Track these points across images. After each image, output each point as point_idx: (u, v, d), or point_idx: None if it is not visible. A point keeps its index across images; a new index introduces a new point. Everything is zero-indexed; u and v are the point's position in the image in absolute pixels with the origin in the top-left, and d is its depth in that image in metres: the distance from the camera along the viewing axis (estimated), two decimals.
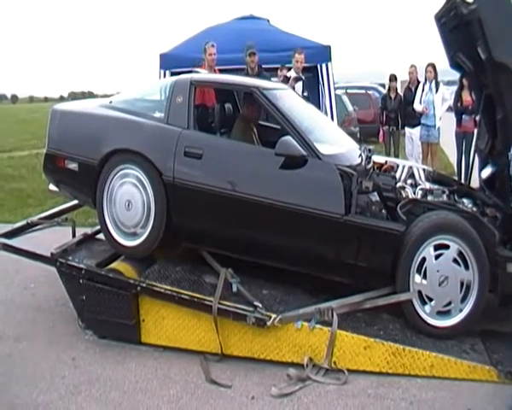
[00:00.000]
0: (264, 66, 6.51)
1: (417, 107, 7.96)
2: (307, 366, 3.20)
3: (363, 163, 3.63)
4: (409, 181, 3.84)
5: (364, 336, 3.23)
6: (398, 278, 3.27)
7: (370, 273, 3.36)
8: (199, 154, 3.46)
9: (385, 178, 3.62)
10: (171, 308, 3.44)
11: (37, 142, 17.40)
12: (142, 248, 3.60)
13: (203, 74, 4.34)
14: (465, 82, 7.62)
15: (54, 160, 3.89)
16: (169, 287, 3.41)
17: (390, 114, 8.75)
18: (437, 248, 3.20)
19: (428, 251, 3.20)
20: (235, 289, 3.42)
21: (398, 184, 3.64)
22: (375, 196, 3.37)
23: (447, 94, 8.04)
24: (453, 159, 8.96)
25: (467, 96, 7.72)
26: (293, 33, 7.92)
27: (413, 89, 8.32)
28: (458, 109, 7.92)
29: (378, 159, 4.11)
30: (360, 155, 3.73)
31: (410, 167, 3.98)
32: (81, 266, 3.61)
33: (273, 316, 3.24)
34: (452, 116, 8.33)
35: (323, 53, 7.43)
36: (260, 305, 3.28)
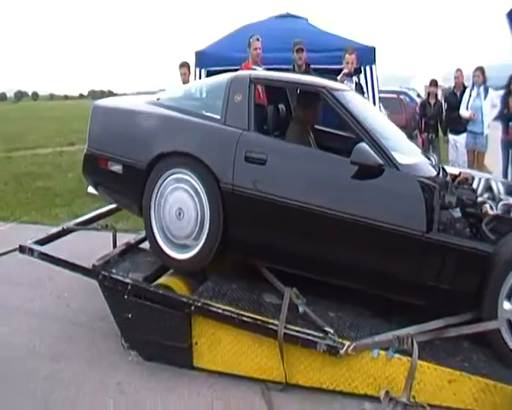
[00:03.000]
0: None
1: (464, 113, 7.52)
2: (383, 399, 2.81)
3: (441, 175, 3.22)
4: (485, 194, 3.43)
5: (449, 369, 2.84)
6: (484, 304, 2.88)
7: (452, 297, 2.97)
8: (262, 159, 3.08)
9: (465, 191, 3.21)
10: (228, 331, 3.07)
11: (60, 139, 17.32)
12: (194, 262, 3.24)
13: (261, 71, 3.93)
14: None
15: (95, 160, 3.54)
16: (227, 307, 3.05)
17: (429, 120, 8.33)
18: None
19: None
20: (301, 311, 3.04)
21: (479, 199, 3.23)
22: (457, 212, 3.00)
23: (496, 100, 7.52)
24: (494, 168, 8.41)
25: None
26: (334, 33, 7.52)
27: (458, 94, 7.88)
28: (505, 116, 7.42)
29: (450, 169, 3.69)
30: (433, 165, 3.33)
31: (488, 180, 3.56)
32: (127, 280, 3.26)
33: (346, 343, 2.87)
34: (495, 124, 7.87)
35: (368, 54, 7.02)
36: (332, 330, 2.91)
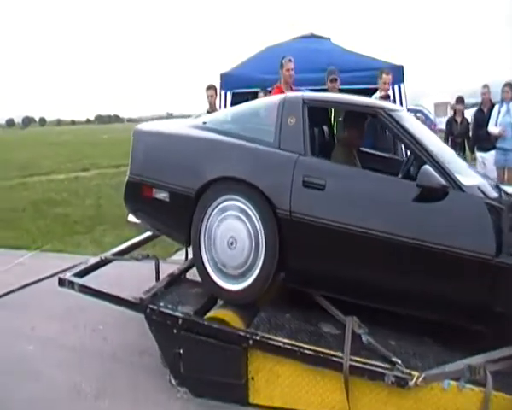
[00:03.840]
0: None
1: (493, 129, 7.36)
2: None
3: (503, 195, 3.08)
4: None
5: None
6: None
7: None
8: (321, 184, 2.95)
9: None
10: (287, 365, 2.92)
11: (73, 165, 17.30)
12: (248, 293, 3.09)
13: (312, 93, 3.82)
14: None
15: (139, 188, 3.38)
16: (287, 340, 2.89)
17: (456, 138, 8.10)
18: None
19: None
20: (365, 341, 2.88)
21: None
22: None
23: None
24: None
25: None
26: (360, 53, 7.47)
27: (485, 110, 7.75)
28: None
29: (506, 189, 3.56)
30: (493, 185, 3.20)
31: None
32: (177, 314, 3.11)
33: (415, 374, 2.71)
34: None
35: (397, 73, 6.93)
36: (399, 361, 2.75)
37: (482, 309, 2.84)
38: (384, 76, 5.77)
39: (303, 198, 2.96)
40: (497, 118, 7.35)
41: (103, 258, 3.89)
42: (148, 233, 4.49)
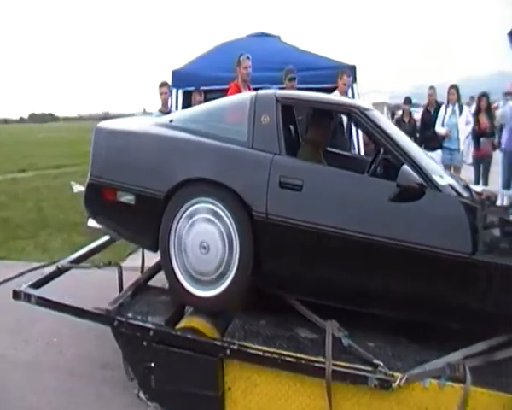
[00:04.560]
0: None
1: (440, 130, 7.68)
2: None
3: (474, 194, 3.11)
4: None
5: (501, 393, 2.71)
6: None
7: (496, 320, 2.86)
8: (298, 185, 2.85)
9: (498, 210, 3.12)
10: (266, 373, 2.81)
11: (10, 165, 16.43)
12: (221, 300, 2.94)
13: (284, 91, 3.70)
14: (483, 105, 7.59)
15: (100, 191, 3.15)
16: (266, 348, 2.78)
17: None
18: None
19: None
20: (346, 344, 2.81)
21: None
22: (497, 232, 2.93)
23: (470, 117, 7.77)
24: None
25: (484, 119, 7.59)
26: (310, 51, 7.48)
27: (432, 111, 8.02)
28: (476, 133, 7.70)
29: (473, 188, 3.62)
30: (464, 185, 3.23)
31: (509, 197, 3.51)
32: (148, 325, 2.93)
33: (398, 375, 2.67)
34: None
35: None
36: (381, 363, 2.70)
37: (459, 307, 2.85)
38: (345, 77, 5.82)
39: (280, 199, 2.84)
40: (444, 119, 7.62)
41: (60, 266, 3.61)
42: (105, 238, 4.24)
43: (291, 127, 3.71)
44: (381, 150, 3.57)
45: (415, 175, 2.75)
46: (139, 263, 4.16)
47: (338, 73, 5.87)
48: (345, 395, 2.75)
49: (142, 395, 3.07)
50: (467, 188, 3.18)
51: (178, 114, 3.62)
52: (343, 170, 3.01)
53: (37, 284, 3.37)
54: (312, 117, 3.64)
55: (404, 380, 2.66)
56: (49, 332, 4.20)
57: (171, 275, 2.98)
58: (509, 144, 7.15)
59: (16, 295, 3.23)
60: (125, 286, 3.40)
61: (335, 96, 3.77)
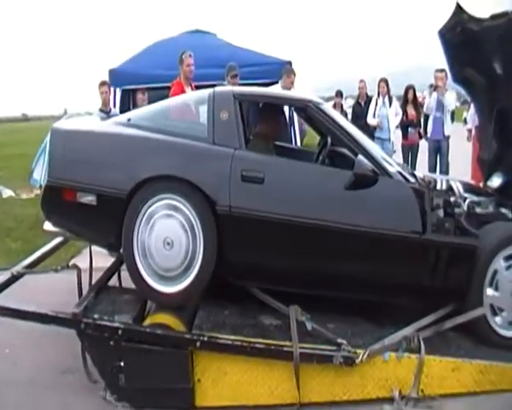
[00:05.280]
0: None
1: (371, 121, 8.09)
2: (398, 398, 2.91)
3: (419, 179, 3.36)
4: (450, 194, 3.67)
5: (451, 358, 3.01)
6: (470, 294, 3.11)
7: (443, 292, 3.14)
8: (260, 178, 2.96)
9: (442, 193, 3.40)
10: (235, 361, 2.90)
11: None
12: (186, 295, 2.99)
13: (241, 87, 3.78)
14: (410, 96, 8.03)
15: (59, 192, 3.08)
16: (234, 337, 2.87)
17: None
18: (507, 259, 3.14)
19: (500, 263, 3.11)
20: (309, 327, 2.96)
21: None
22: (441, 213, 3.18)
23: (399, 108, 8.21)
24: None
25: (411, 111, 8.03)
26: (246, 48, 7.62)
27: (362, 103, 8.40)
28: (404, 123, 8.14)
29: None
30: (409, 172, 3.49)
31: (448, 181, 3.81)
32: (116, 324, 2.92)
33: (360, 352, 2.86)
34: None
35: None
36: (345, 342, 2.88)
37: (411, 284, 3.10)
38: (292, 76, 6.03)
39: (242, 192, 2.95)
40: (375, 110, 8.01)
41: (15, 273, 3.50)
42: (57, 240, 4.15)
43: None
44: (329, 142, 3.76)
45: (369, 164, 2.95)
46: (84, 265, 4.08)
47: (285, 71, 6.10)
48: (310, 374, 2.91)
49: (109, 396, 3.05)
50: (412, 174, 3.43)
51: (136, 113, 3.62)
52: (303, 162, 3.16)
53: None
54: (262, 111, 3.76)
55: (366, 355, 2.86)
56: None
57: (135, 273, 2.99)
58: (434, 133, 7.63)
59: None
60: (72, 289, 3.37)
61: (290, 92, 3.91)
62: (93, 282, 3.62)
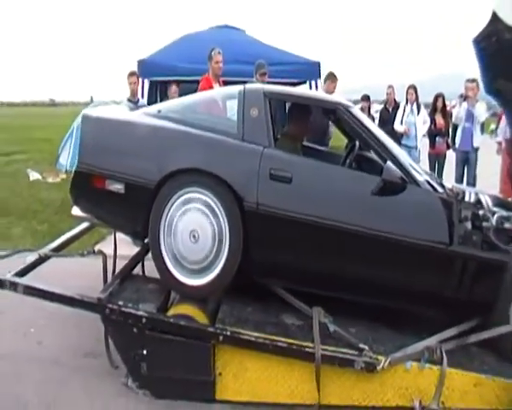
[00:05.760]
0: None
1: (399, 127, 7.99)
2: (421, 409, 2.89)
3: (447, 190, 3.33)
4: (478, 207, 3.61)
5: (474, 373, 2.97)
6: (497, 310, 3.06)
7: (469, 306, 3.12)
8: (288, 177, 2.97)
9: (471, 205, 3.35)
10: (257, 358, 2.92)
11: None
12: (210, 288, 3.02)
13: (271, 86, 3.79)
14: (439, 105, 7.93)
15: (88, 179, 3.12)
16: (257, 334, 2.89)
17: None
18: None
19: None
20: (331, 329, 2.96)
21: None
22: (469, 225, 3.13)
23: (427, 116, 8.12)
24: None
25: (440, 119, 7.94)
26: (275, 46, 7.62)
27: (390, 109, 8.33)
28: (432, 132, 8.05)
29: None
30: (438, 182, 3.46)
31: (476, 193, 3.76)
32: (140, 313, 2.96)
33: (382, 359, 2.85)
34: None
35: (313, 69, 7.18)
36: (367, 347, 2.87)
37: (435, 295, 3.08)
38: (336, 82, 6.07)
39: (270, 191, 2.96)
40: (402, 117, 7.94)
41: (42, 255, 3.57)
42: (83, 225, 4.21)
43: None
44: (356, 145, 3.75)
45: (398, 171, 2.95)
46: (107, 251, 4.14)
47: (329, 77, 6.13)
48: (331, 377, 2.91)
49: (130, 383, 3.10)
50: (441, 184, 3.40)
51: (166, 105, 3.65)
52: (331, 164, 3.16)
53: (22, 273, 3.32)
54: (292, 111, 3.77)
55: (387, 363, 2.85)
56: (24, 323, 4.10)
57: (161, 263, 3.03)
58: (462, 144, 7.53)
59: (1, 284, 3.19)
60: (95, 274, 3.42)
61: (320, 93, 3.91)
62: (117, 269, 3.68)
